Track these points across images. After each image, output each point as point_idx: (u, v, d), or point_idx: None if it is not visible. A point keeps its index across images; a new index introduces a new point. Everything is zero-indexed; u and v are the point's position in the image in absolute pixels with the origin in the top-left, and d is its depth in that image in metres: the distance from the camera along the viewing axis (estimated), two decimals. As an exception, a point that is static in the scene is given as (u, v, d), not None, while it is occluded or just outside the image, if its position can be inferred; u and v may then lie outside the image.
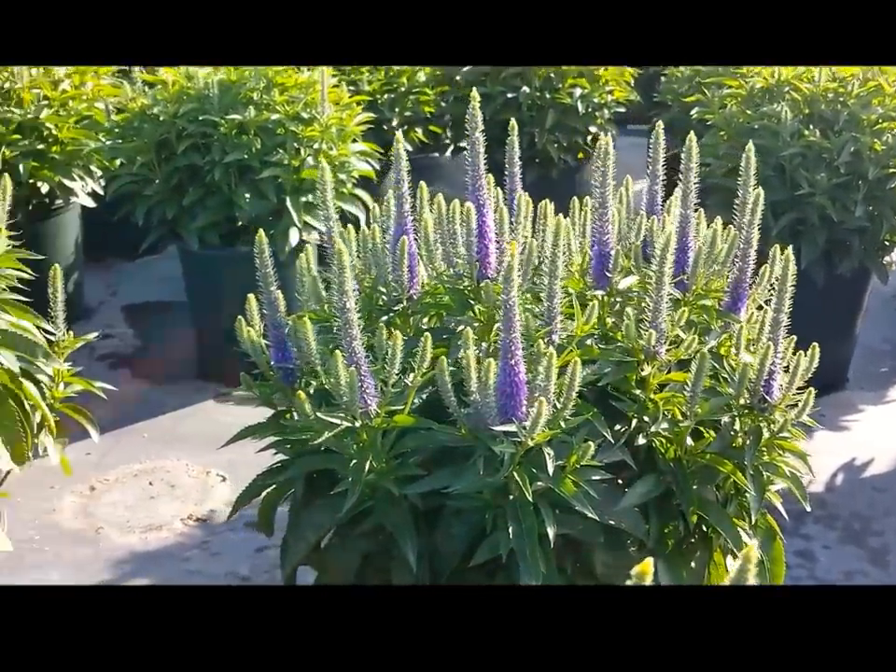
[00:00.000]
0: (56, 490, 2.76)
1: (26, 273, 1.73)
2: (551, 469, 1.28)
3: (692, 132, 1.62)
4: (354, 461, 1.34)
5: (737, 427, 1.47)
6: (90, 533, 2.61)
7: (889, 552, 2.54)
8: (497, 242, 1.46)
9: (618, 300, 1.52)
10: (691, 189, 1.52)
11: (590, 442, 1.31)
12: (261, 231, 1.66)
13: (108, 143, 3.09)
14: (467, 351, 1.28)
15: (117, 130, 3.10)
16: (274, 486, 1.65)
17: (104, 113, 3.33)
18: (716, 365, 1.46)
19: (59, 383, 1.85)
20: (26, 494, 2.67)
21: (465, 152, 4.40)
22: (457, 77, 3.95)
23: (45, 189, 3.23)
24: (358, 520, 1.42)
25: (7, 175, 1.83)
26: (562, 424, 1.28)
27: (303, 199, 3.09)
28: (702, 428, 1.50)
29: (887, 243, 2.99)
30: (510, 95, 3.84)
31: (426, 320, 1.56)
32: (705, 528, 1.52)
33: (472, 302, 1.47)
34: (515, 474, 1.28)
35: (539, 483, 1.31)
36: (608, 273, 1.50)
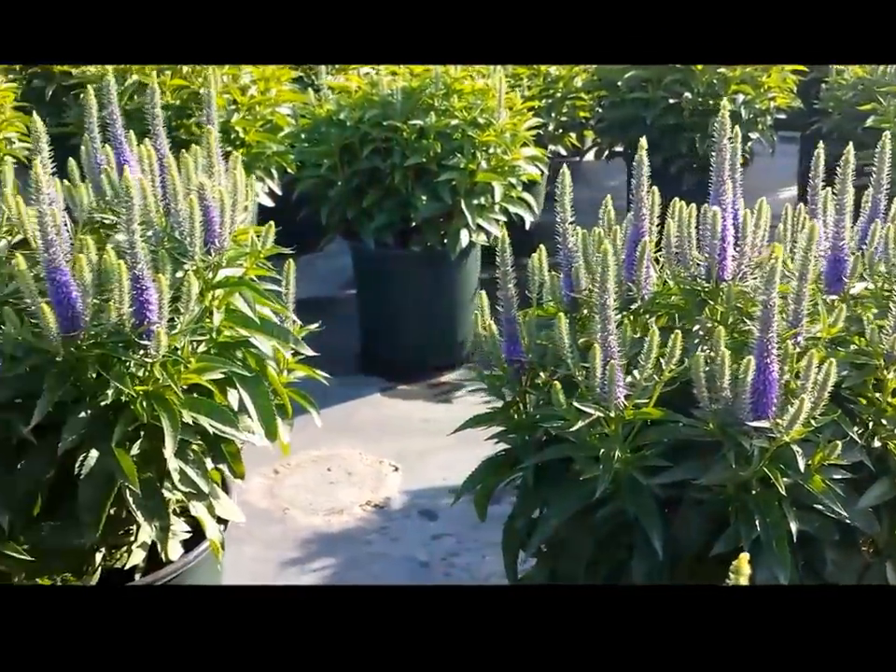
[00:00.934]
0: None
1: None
2: (802, 466, 1.32)
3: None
4: (603, 450, 1.41)
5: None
6: (277, 513, 2.77)
7: None
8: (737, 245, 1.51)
9: (850, 304, 1.54)
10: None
11: (837, 442, 1.34)
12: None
13: (295, 146, 3.27)
14: (721, 349, 1.33)
15: (303, 134, 3.27)
16: (492, 476, 1.74)
17: (286, 118, 3.51)
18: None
19: (284, 369, 1.98)
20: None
21: (619, 157, 4.42)
22: (618, 83, 3.98)
23: (231, 188, 3.43)
24: (594, 507, 1.48)
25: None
26: (812, 423, 1.32)
27: (475, 201, 3.19)
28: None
29: None
30: (671, 101, 3.86)
31: (652, 320, 1.62)
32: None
33: (708, 303, 1.52)
34: (766, 469, 1.32)
35: (785, 480, 1.35)
36: (843, 279, 1.53)
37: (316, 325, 2.06)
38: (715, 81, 3.84)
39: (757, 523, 1.35)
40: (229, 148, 3.40)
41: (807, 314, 1.42)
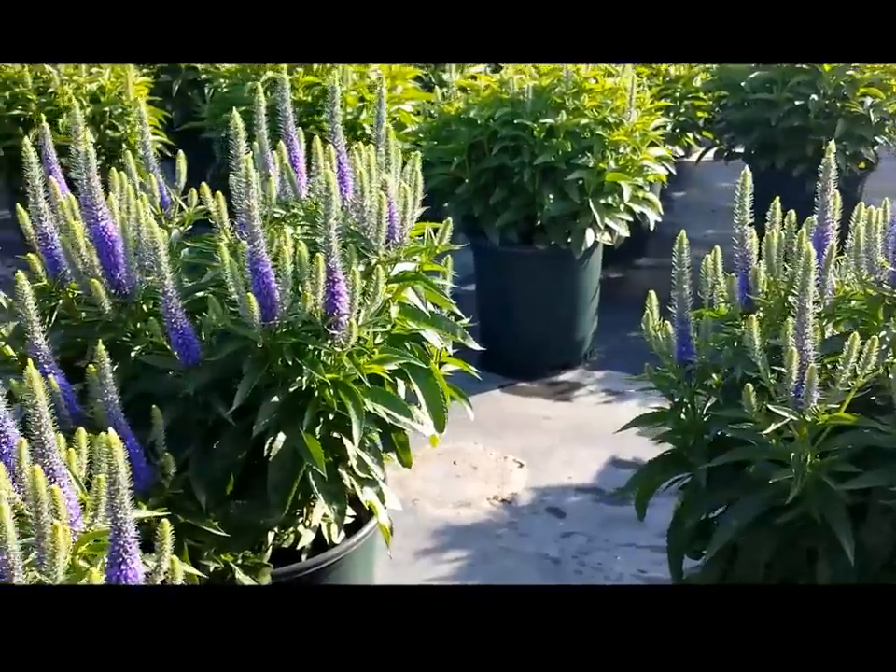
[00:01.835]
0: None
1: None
2: None
3: None
4: (793, 454, 1.41)
5: None
6: (408, 504, 2.82)
7: None
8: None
9: None
10: None
11: None
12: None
13: (420, 144, 3.31)
14: (924, 355, 1.32)
15: (430, 132, 3.31)
16: (659, 474, 1.74)
17: (410, 115, 3.56)
18: None
19: (438, 362, 2.02)
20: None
21: (738, 158, 4.33)
22: (741, 84, 3.93)
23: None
24: (775, 511, 1.48)
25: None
26: None
27: (602, 201, 3.19)
28: None
29: None
30: (797, 102, 3.79)
31: (830, 325, 1.60)
32: None
33: (896, 309, 1.51)
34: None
35: None
36: None
37: (468, 319, 2.10)
38: (843, 83, 3.77)
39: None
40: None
41: None
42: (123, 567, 1.08)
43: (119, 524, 1.07)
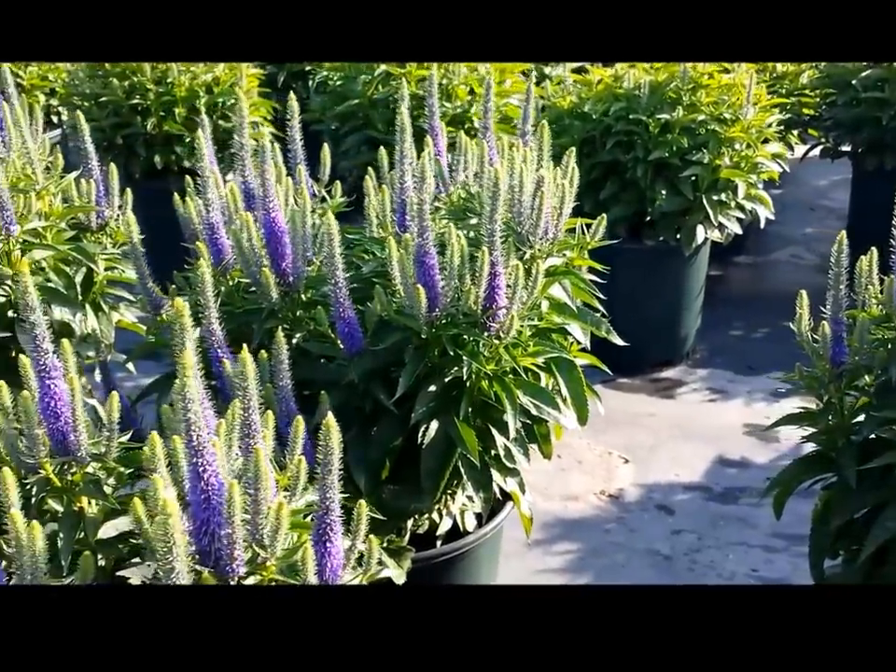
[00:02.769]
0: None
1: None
2: None
3: None
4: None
5: None
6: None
7: None
8: None
9: None
10: None
11: None
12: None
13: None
14: None
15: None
16: (802, 475, 1.74)
17: (518, 109, 3.58)
18: None
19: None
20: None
21: (844, 156, 4.25)
22: (852, 82, 3.86)
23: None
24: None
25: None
26: None
27: (716, 197, 3.17)
28: None
29: None
30: (911, 101, 3.71)
31: None
32: None
33: None
34: None
35: None
36: None
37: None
38: (960, 82, 3.68)
39: None
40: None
41: None
42: (328, 544, 1.13)
43: (327, 503, 1.12)
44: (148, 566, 1.14)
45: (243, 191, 1.82)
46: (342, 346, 1.61)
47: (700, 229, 3.20)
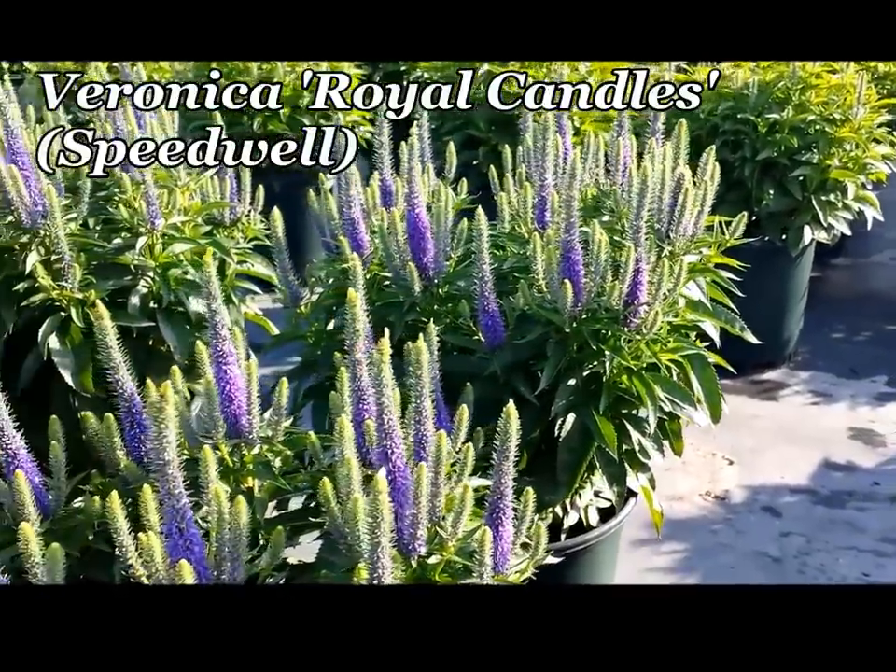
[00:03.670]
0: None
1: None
2: None
3: None
4: None
5: None
6: (620, 493, 2.86)
7: None
8: None
9: None
10: None
11: None
12: None
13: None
14: None
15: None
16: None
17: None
18: None
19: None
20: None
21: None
22: (963, 80, 3.77)
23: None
24: None
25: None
26: None
27: (824, 198, 3.13)
28: None
29: None
30: None
31: None
32: None
33: None
34: None
35: None
36: None
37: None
38: None
39: None
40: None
41: None
42: (500, 528, 1.17)
43: (502, 487, 1.15)
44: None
45: (381, 189, 1.87)
46: (482, 339, 1.64)
47: (807, 229, 3.17)
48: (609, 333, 1.62)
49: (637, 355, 1.63)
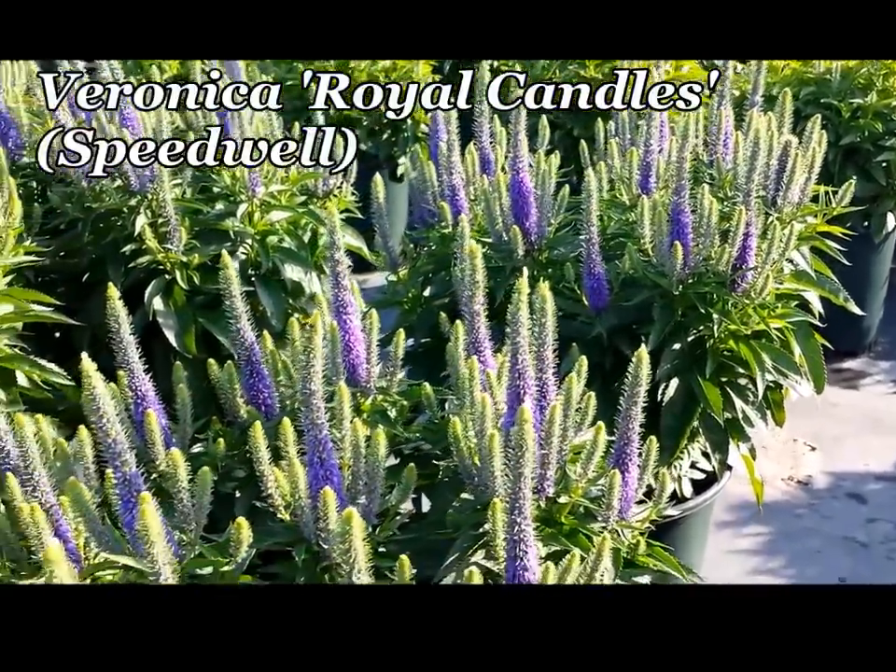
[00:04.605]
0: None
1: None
2: None
3: None
4: None
5: None
6: (700, 477, 2.84)
7: None
8: None
9: None
10: None
11: None
12: None
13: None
14: None
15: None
16: None
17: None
18: None
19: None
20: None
21: None
22: None
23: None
24: None
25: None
26: None
27: (909, 185, 3.07)
28: None
29: None
30: None
31: None
32: None
33: None
34: None
35: None
36: None
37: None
38: None
39: None
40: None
41: None
42: (626, 474, 1.17)
43: (629, 433, 1.15)
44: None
45: (480, 157, 1.88)
46: (586, 303, 1.65)
47: (891, 216, 3.12)
48: (717, 297, 1.61)
49: (745, 320, 1.62)
